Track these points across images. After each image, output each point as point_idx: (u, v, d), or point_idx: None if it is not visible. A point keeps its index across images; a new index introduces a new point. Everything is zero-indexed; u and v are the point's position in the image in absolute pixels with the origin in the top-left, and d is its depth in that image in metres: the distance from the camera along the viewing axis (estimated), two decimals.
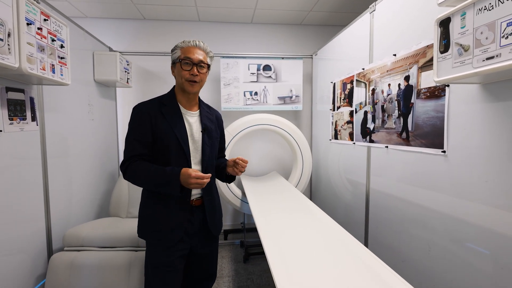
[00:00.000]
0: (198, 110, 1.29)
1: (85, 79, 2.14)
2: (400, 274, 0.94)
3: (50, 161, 1.65)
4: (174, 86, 1.28)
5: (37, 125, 1.53)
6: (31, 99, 1.47)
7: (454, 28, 0.93)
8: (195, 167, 1.21)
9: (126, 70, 2.49)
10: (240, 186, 2.81)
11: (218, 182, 2.51)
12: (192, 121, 1.24)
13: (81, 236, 1.64)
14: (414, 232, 1.40)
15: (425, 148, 1.32)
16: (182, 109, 1.24)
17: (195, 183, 1.06)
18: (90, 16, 2.89)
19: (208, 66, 1.22)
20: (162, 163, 1.16)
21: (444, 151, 1.21)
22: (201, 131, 1.23)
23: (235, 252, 2.75)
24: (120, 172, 2.20)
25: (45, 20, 1.29)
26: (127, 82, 2.53)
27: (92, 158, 2.21)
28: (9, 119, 1.32)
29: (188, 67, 1.16)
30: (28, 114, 1.45)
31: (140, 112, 1.17)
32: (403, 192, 1.49)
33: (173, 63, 1.22)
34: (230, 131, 2.55)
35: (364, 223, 1.88)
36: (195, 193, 1.22)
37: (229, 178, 1.39)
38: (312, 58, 3.02)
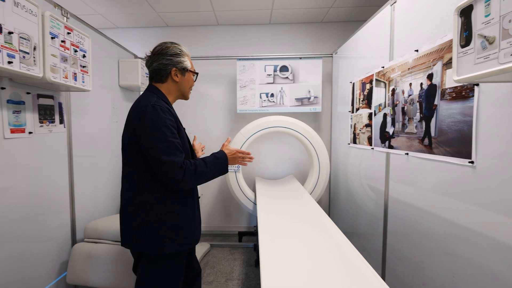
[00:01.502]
0: None
1: (110, 85, 2.30)
2: None
3: (76, 159, 1.79)
4: (155, 86, 1.22)
5: (64, 127, 1.68)
6: (59, 104, 1.62)
7: (477, 17, 0.80)
8: None
9: (148, 75, 2.58)
10: (254, 189, 2.75)
11: (231, 183, 2.53)
12: None
13: (99, 229, 1.74)
14: (436, 252, 1.23)
15: (450, 157, 1.15)
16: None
17: (241, 158, 1.26)
18: (120, 26, 3.09)
19: None
20: None
21: (472, 162, 1.04)
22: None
23: (247, 255, 2.70)
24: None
25: (68, 33, 1.41)
26: None
27: (115, 157, 2.33)
28: (39, 122, 1.47)
29: (194, 77, 1.30)
30: (57, 117, 1.60)
31: (166, 112, 1.08)
32: (424, 205, 1.33)
33: (184, 70, 1.20)
34: (244, 133, 2.51)
35: (382, 235, 1.71)
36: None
37: None
38: (332, 57, 2.86)
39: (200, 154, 1.44)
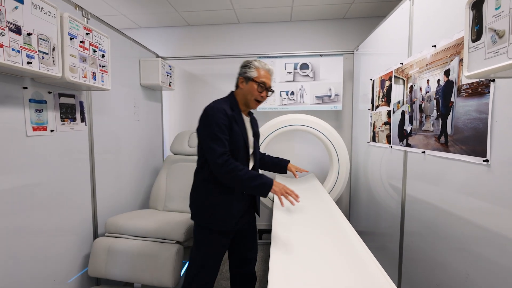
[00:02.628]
0: (249, 117, 1.50)
1: (132, 84, 2.39)
2: None
3: (97, 156, 1.88)
4: (233, 92, 1.44)
5: (86, 125, 1.77)
6: (81, 103, 1.71)
7: (488, 9, 0.76)
8: (251, 163, 1.43)
9: (169, 74, 2.70)
10: None
11: None
12: (248, 125, 1.45)
13: (119, 224, 1.84)
14: (451, 251, 1.19)
15: (465, 156, 1.11)
16: (244, 117, 1.42)
17: (285, 191, 1.25)
18: (143, 26, 3.20)
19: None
20: None
21: (486, 160, 1.00)
22: (253, 136, 1.45)
23: (267, 252, 2.73)
24: (162, 168, 2.43)
25: (87, 34, 1.47)
26: (170, 85, 2.73)
27: (137, 154, 2.45)
28: (61, 120, 1.56)
29: (261, 89, 1.36)
30: (78, 116, 1.69)
31: (220, 112, 1.28)
32: (441, 204, 1.28)
33: (247, 79, 1.36)
34: (262, 131, 2.54)
35: (399, 234, 1.67)
36: None
37: (281, 170, 1.67)
38: (353, 54, 2.81)
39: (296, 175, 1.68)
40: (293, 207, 1.74)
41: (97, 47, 1.56)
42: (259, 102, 1.39)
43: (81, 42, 1.43)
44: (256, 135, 1.50)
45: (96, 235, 1.88)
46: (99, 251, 1.74)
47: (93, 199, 1.86)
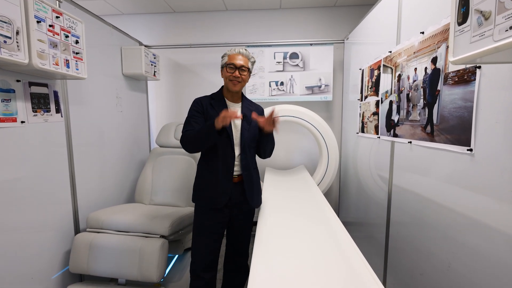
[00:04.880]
0: (241, 102, 1.55)
1: (113, 73, 2.28)
2: None
3: (77, 149, 1.81)
4: (223, 86, 1.55)
5: (62, 116, 1.68)
6: (55, 93, 1.62)
7: None
8: (236, 148, 1.46)
9: (153, 63, 2.60)
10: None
11: None
12: (235, 110, 1.45)
13: (101, 219, 1.78)
14: (434, 240, 1.18)
15: (450, 145, 1.08)
16: (227, 102, 1.51)
17: (222, 116, 1.23)
18: (125, 12, 3.06)
19: (248, 69, 1.48)
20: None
21: (470, 149, 0.97)
22: (241, 118, 1.46)
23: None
24: (147, 161, 2.37)
25: (57, 17, 1.37)
26: (154, 75, 2.64)
27: (121, 147, 2.38)
28: (32, 111, 1.47)
29: (232, 70, 1.43)
30: (52, 106, 1.60)
31: (196, 102, 1.50)
32: (426, 194, 1.26)
33: (222, 67, 1.48)
34: None
35: (386, 223, 1.66)
36: (236, 169, 1.47)
37: (267, 140, 1.52)
38: (343, 43, 2.75)
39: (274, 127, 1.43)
40: (283, 199, 1.73)
41: (69, 32, 1.46)
42: (235, 82, 1.44)
43: (50, 26, 1.33)
44: (247, 118, 1.48)
45: (77, 231, 1.83)
46: (80, 247, 1.68)
47: (73, 194, 1.79)
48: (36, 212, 1.52)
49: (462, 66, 1.02)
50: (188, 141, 1.41)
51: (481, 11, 0.69)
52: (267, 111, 1.65)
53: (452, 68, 1.08)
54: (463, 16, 0.76)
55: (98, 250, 1.67)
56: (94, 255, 1.67)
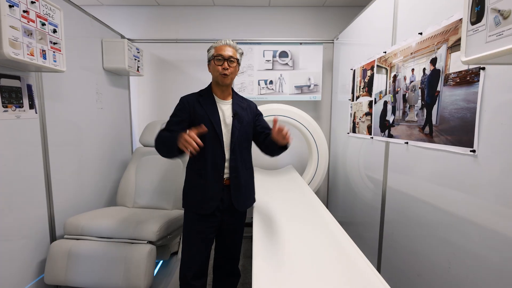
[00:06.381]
0: (231, 99, 1.45)
1: (93, 67, 2.12)
2: None
3: (52, 148, 1.65)
4: (211, 82, 1.46)
5: (36, 112, 1.53)
6: (29, 87, 1.46)
7: None
8: (227, 148, 1.38)
9: (136, 58, 2.46)
10: None
11: None
12: (225, 108, 1.42)
13: (80, 225, 1.64)
14: (433, 242, 1.18)
15: (451, 146, 1.08)
16: (217, 99, 1.42)
17: (184, 140, 1.13)
18: (106, 4, 2.88)
19: (237, 60, 1.39)
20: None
21: (473, 151, 0.97)
22: (232, 116, 1.39)
23: (245, 246, 2.66)
24: (131, 161, 2.23)
25: (32, 2, 1.24)
26: (138, 70, 2.49)
27: (101, 146, 2.22)
28: (2, 106, 1.31)
29: (220, 62, 1.34)
30: (26, 101, 1.45)
31: (181, 101, 1.42)
32: (422, 196, 1.26)
33: (209, 61, 1.40)
34: None
35: (379, 225, 1.66)
36: (227, 172, 1.39)
37: (281, 148, 1.38)
38: (333, 43, 2.75)
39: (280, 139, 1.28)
40: (275, 200, 1.70)
41: (46, 20, 1.32)
42: (225, 75, 1.35)
43: (24, 11, 1.19)
44: (239, 117, 1.40)
45: (53, 238, 1.67)
46: (57, 255, 1.54)
47: (48, 198, 1.64)
48: (6, 217, 1.37)
49: (465, 67, 1.02)
50: (156, 145, 1.34)
51: (499, 10, 0.68)
52: (268, 119, 1.59)
53: (453, 69, 1.08)
54: (477, 15, 0.74)
55: (78, 258, 1.54)
56: (73, 264, 1.53)
